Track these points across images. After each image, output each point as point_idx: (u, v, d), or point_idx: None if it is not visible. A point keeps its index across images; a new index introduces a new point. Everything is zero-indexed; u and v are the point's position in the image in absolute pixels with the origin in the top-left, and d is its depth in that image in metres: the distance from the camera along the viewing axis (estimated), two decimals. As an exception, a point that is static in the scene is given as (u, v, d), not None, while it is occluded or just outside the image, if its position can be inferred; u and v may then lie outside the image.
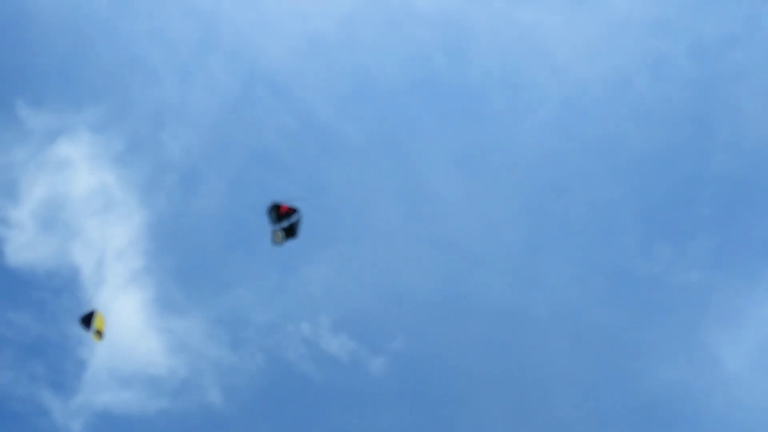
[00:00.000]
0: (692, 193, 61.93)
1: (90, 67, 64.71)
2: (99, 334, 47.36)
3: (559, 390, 59.86)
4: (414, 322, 61.93)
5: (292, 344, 60.36)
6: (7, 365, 57.88)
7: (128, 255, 60.38)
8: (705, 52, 63.33)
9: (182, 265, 61.68)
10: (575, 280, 61.87)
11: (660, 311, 60.04)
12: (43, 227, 60.40)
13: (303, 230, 46.14)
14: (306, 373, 59.93)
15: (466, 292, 62.41)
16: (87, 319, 47.36)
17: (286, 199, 45.44)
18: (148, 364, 58.54)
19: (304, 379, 60.03)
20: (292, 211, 45.48)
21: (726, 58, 62.93)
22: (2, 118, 62.18)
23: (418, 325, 61.84)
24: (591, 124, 64.19)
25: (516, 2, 65.11)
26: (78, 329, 51.63)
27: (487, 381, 60.21)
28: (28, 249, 59.61)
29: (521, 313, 61.49)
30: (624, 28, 64.67)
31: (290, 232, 45.73)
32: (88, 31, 65.04)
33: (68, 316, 57.56)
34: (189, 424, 58.23)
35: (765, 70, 62.15)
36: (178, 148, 63.56)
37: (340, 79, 65.55)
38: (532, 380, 60.29)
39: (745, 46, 62.69)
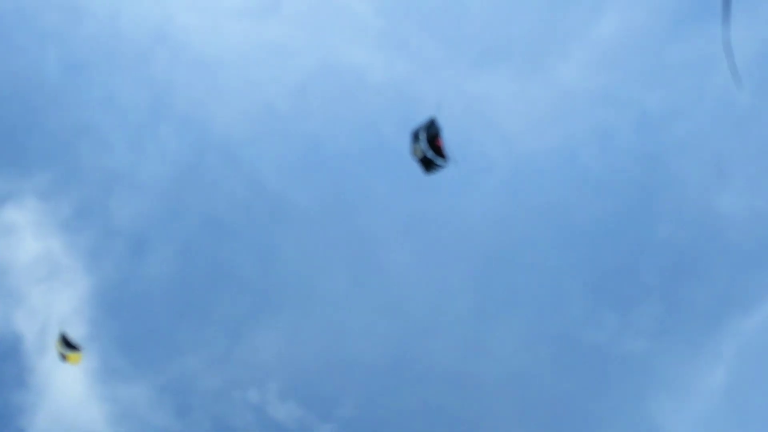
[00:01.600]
0: (637, 262, 62.63)
1: (39, 133, 64.88)
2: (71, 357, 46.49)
3: (506, 458, 59.80)
4: (363, 388, 61.87)
5: (240, 411, 60.03)
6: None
7: (72, 322, 59.97)
8: (650, 125, 64.51)
9: (128, 332, 61.39)
10: (523, 347, 62.14)
11: (605, 379, 60.39)
12: (-12, 293, 60.07)
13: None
14: (253, 441, 59.55)
15: (415, 358, 62.45)
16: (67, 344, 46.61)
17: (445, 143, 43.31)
18: (90, 433, 57.99)
19: (250, 447, 59.61)
20: (442, 153, 43.19)
21: (670, 130, 64.11)
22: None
23: (366, 391, 61.77)
24: (539, 194, 64.91)
25: (466, 74, 66.14)
26: (18, 396, 51.13)
27: (435, 449, 60.07)
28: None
29: (470, 379, 61.55)
30: (571, 100, 65.78)
31: (428, 164, 43.55)
32: (39, 96, 65.37)
33: (10, 384, 56.99)
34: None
35: (708, 142, 63.35)
36: (127, 214, 63.65)
37: (291, 147, 66.09)
38: (480, 448, 60.24)
39: (689, 119, 63.93)
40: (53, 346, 46.95)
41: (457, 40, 66.39)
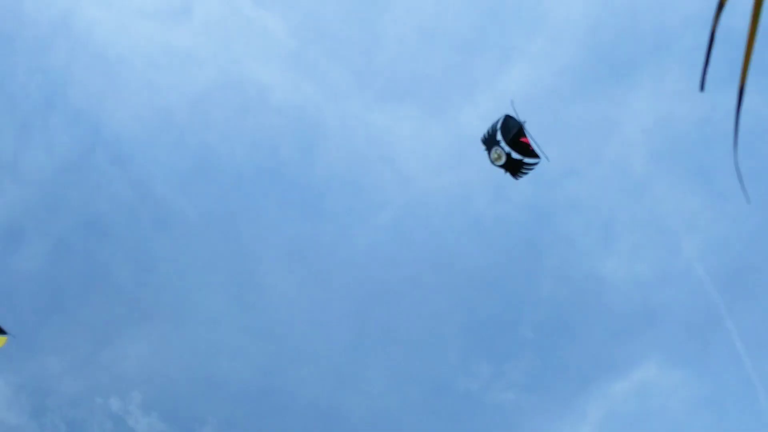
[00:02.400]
0: (517, 314, 63.01)
1: None
2: None
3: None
4: (228, 410, 60.47)
5: (98, 418, 57.90)
6: None
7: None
8: (545, 181, 65.19)
9: (-12, 325, 58.62)
10: (394, 387, 61.71)
11: (473, 427, 60.25)
12: None
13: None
14: (105, 453, 57.46)
15: (284, 386, 61.46)
16: None
17: (533, 140, 37.93)
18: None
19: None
20: (532, 152, 37.98)
21: (564, 188, 64.97)
22: None
23: (232, 413, 60.38)
24: (428, 235, 64.94)
25: (370, 106, 65.97)
26: None
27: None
28: None
29: (337, 413, 60.78)
30: (471, 146, 65.92)
31: (515, 167, 38.36)
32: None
33: None
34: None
35: (599, 205, 64.35)
36: (4, 203, 61.19)
37: (184, 155, 64.71)
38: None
39: (583, 180, 64.92)
40: None
41: (366, 71, 66.27)
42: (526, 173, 38.55)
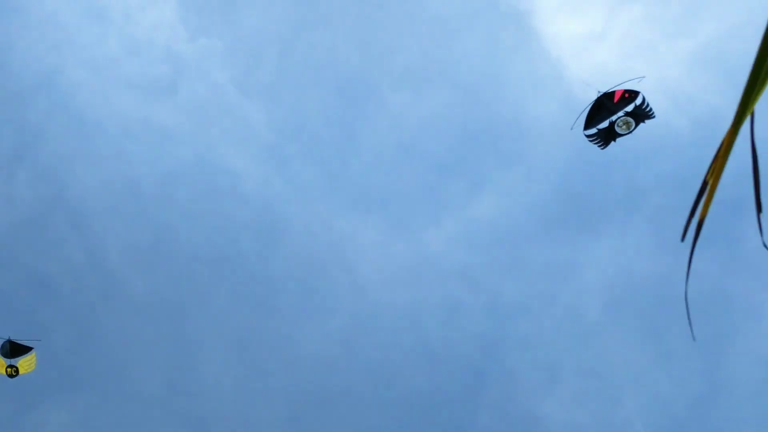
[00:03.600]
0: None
1: None
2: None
3: None
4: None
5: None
6: None
7: None
8: (497, 313, 65.14)
9: None
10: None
11: None
12: None
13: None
14: None
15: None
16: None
17: (621, 84, 36.02)
18: None
19: None
20: (633, 94, 36.00)
21: (516, 324, 64.82)
22: None
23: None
24: (374, 348, 64.31)
25: (338, 211, 66.01)
26: None
27: None
28: None
29: None
30: (431, 267, 66.11)
31: (640, 116, 36.33)
32: None
33: None
34: None
35: (546, 344, 64.13)
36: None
37: (144, 230, 64.09)
38: None
39: (536, 318, 64.85)
40: None
41: (338, 177, 66.52)
42: (648, 113, 36.42)
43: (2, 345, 41.50)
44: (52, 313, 60.42)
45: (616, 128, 36.38)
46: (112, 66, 65.36)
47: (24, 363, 41.65)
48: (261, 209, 65.52)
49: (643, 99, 36.06)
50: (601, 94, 36.42)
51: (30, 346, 42.19)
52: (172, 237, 64.45)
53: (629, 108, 36.08)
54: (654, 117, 36.37)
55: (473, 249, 64.87)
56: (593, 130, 36.73)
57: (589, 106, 36.31)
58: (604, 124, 36.53)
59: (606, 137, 36.74)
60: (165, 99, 65.47)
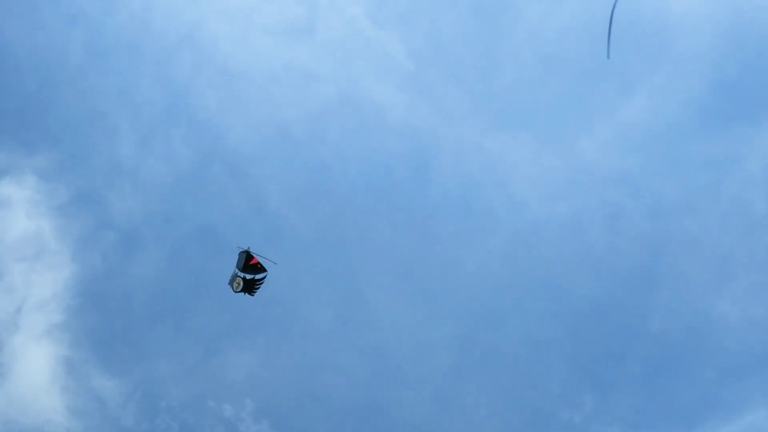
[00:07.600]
0: (625, 347, 61.75)
1: (52, 111, 64.13)
2: None
3: None
4: (333, 423, 60.66)
5: (210, 422, 58.73)
6: None
7: (50, 307, 58.80)
8: (661, 215, 64.00)
9: (103, 327, 60.17)
10: (494, 414, 61.02)
11: (574, 461, 59.30)
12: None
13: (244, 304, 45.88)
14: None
15: (385, 404, 61.36)
16: None
17: (261, 256, 45.11)
18: (46, 422, 56.45)
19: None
20: (261, 268, 44.90)
21: (680, 224, 63.59)
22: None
23: (336, 427, 60.56)
24: (538, 263, 64.25)
25: (486, 130, 65.74)
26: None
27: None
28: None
29: (437, 437, 60.49)
30: (587, 175, 65.33)
31: (249, 286, 45.21)
32: (58, 76, 64.71)
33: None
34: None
35: (716, 242, 62.81)
36: (124, 209, 62.74)
37: (298, 171, 65.39)
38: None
39: (701, 216, 63.45)
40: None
41: (483, 96, 66.13)
42: (258, 288, 45.53)
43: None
44: (224, 260, 62.58)
45: (233, 285, 45.95)
46: (249, 14, 66.41)
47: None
48: (410, 138, 65.91)
49: (262, 280, 45.53)
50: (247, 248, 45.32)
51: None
52: (327, 175, 65.62)
53: (249, 276, 45.17)
54: (252, 294, 45.75)
55: (629, 152, 63.78)
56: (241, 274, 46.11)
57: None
58: (237, 272, 45.79)
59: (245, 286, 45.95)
60: (304, 41, 66.25)
